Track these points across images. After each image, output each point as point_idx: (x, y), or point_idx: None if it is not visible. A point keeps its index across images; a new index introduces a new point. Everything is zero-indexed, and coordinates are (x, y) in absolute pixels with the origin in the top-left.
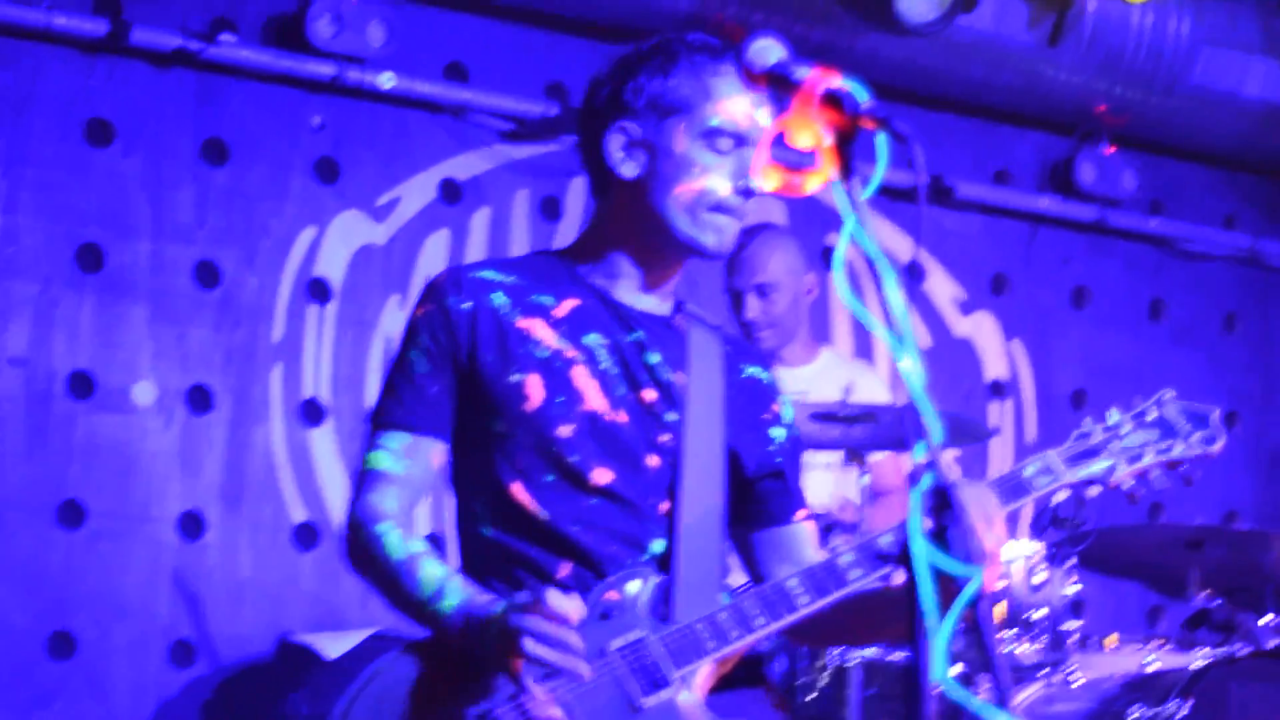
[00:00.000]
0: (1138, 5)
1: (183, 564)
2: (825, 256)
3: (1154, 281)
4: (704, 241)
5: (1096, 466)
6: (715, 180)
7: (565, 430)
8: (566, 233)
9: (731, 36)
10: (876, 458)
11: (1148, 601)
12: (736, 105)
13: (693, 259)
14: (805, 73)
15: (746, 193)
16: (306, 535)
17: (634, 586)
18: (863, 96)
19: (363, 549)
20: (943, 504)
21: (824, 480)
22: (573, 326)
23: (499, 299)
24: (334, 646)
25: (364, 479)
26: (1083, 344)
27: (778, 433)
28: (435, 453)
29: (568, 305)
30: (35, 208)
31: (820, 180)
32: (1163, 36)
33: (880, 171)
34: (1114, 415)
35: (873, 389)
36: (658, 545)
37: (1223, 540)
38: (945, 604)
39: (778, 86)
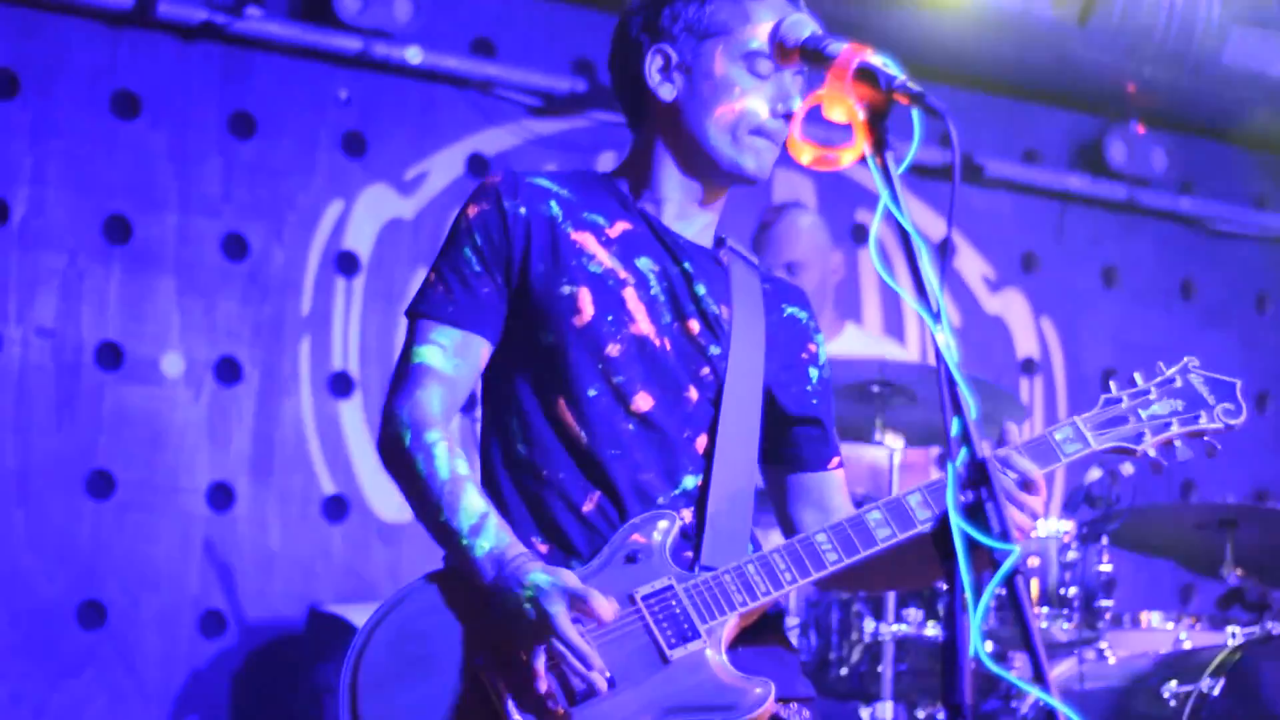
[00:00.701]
0: None
1: (212, 535)
2: (855, 233)
3: (1184, 261)
4: (744, 164)
5: (1124, 433)
6: (755, 102)
7: (614, 349)
8: None
9: None
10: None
11: (1180, 580)
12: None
13: (736, 185)
14: (839, 47)
15: (787, 116)
16: (336, 507)
17: (660, 529)
18: (896, 72)
19: (407, 456)
20: (979, 478)
21: (855, 453)
22: (624, 248)
23: (554, 208)
24: (363, 617)
25: (411, 373)
26: (1113, 323)
27: (814, 373)
28: (484, 353)
29: (620, 227)
30: (63, 180)
31: (854, 155)
32: (1193, 16)
33: (914, 147)
34: (1140, 381)
35: (901, 367)
36: (689, 480)
37: (1255, 519)
38: (979, 576)
39: (812, 61)
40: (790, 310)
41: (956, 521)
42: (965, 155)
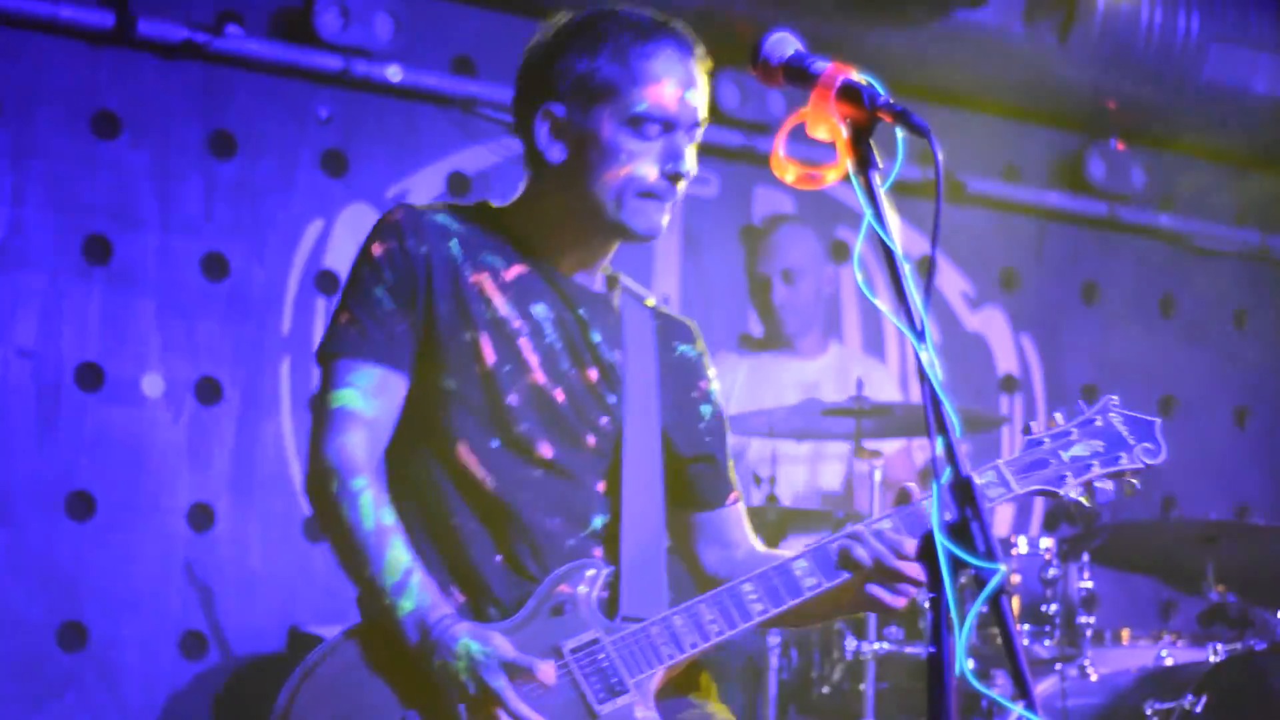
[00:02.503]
0: (1143, 1)
1: (193, 555)
2: (835, 251)
3: (1164, 277)
4: (632, 226)
5: (1046, 476)
6: (643, 166)
7: (514, 398)
8: None
9: (742, 31)
10: (889, 450)
11: (1162, 596)
12: (665, 89)
13: (626, 240)
14: (823, 66)
15: (675, 177)
16: (317, 527)
17: (586, 579)
18: (880, 90)
19: (332, 504)
20: (965, 497)
21: (836, 471)
22: (520, 294)
23: (454, 247)
24: None
25: (333, 417)
26: (1093, 339)
27: (706, 410)
28: (402, 390)
29: (515, 270)
30: (43, 200)
31: (838, 173)
32: (1172, 33)
33: (898, 165)
34: (1061, 422)
35: (883, 385)
36: (597, 521)
37: (1236, 535)
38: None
39: (795, 80)
40: (682, 348)
41: (941, 541)
42: (947, 172)
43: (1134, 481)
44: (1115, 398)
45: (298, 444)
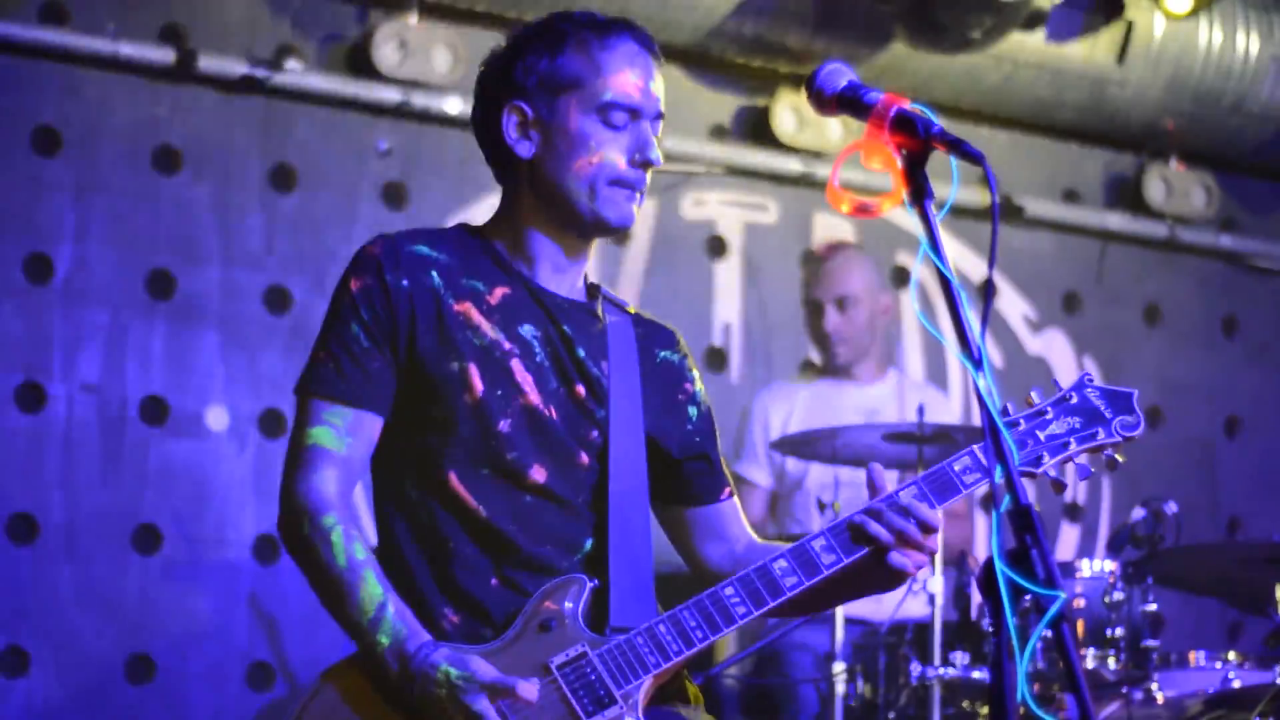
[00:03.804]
0: (1201, 21)
1: (259, 587)
2: (896, 276)
3: (1226, 298)
4: (605, 215)
5: (1023, 456)
6: (611, 154)
7: (505, 424)
8: (635, 254)
9: (797, 60)
10: None
11: (1228, 618)
12: (628, 79)
13: (602, 236)
14: (876, 96)
15: (644, 165)
16: (380, 557)
17: (571, 595)
18: (934, 119)
19: (305, 542)
20: (1024, 524)
21: None
22: (506, 316)
23: (435, 278)
24: None
25: (305, 455)
26: (1156, 361)
27: (693, 411)
28: (376, 429)
29: (499, 292)
30: (106, 236)
31: (893, 202)
32: (1231, 53)
33: (953, 193)
34: (1034, 402)
35: (945, 415)
36: (590, 544)
37: None
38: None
39: (849, 110)
40: (663, 354)
41: (1001, 568)
42: (1004, 196)
43: (1116, 457)
44: (1090, 374)
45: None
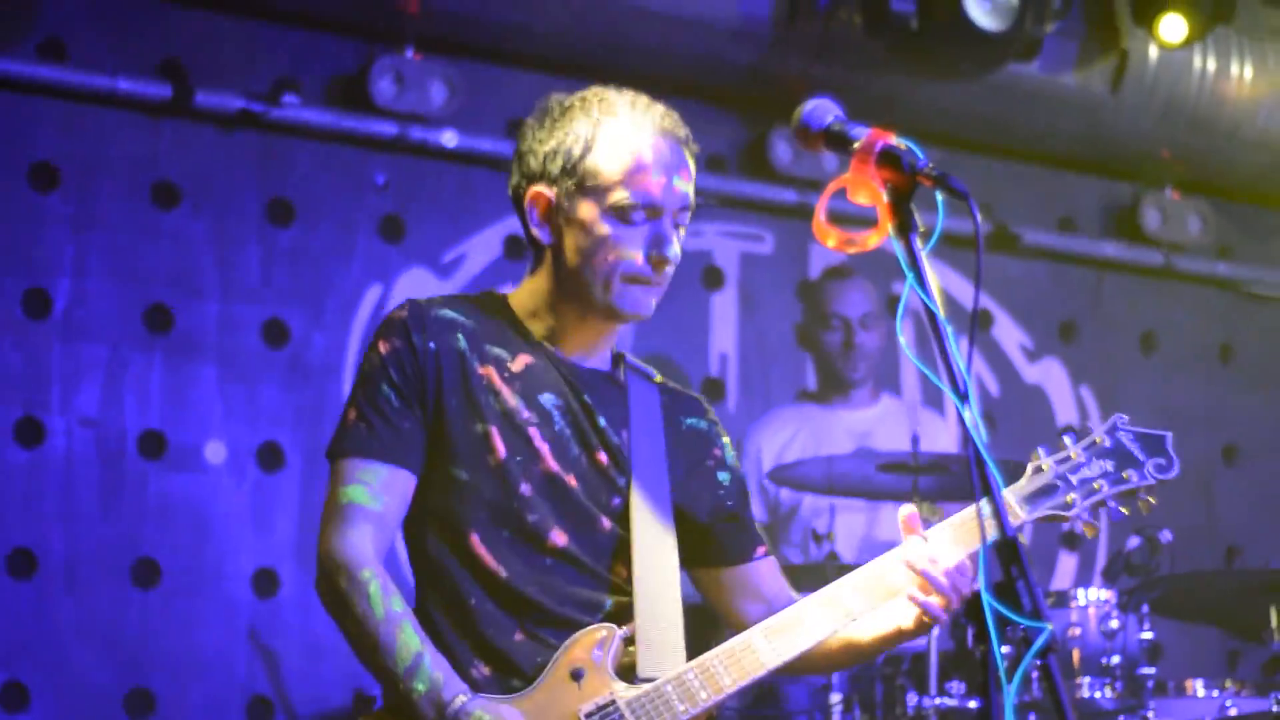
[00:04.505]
0: (1196, 50)
1: (258, 620)
2: (891, 305)
3: (1223, 325)
4: (621, 309)
5: (1054, 502)
6: (628, 251)
7: (526, 488)
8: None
9: (791, 88)
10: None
11: (1226, 646)
12: (650, 178)
13: (619, 323)
14: (861, 132)
15: (660, 262)
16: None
17: (600, 643)
18: (919, 154)
19: (342, 597)
20: (1010, 556)
21: (893, 525)
22: (527, 385)
23: (461, 341)
24: None
25: (341, 513)
26: (1153, 389)
27: (724, 476)
28: (410, 486)
29: (522, 361)
30: (104, 270)
31: (879, 237)
32: (1225, 81)
33: (939, 227)
34: (1067, 446)
35: (940, 439)
36: (611, 605)
37: None
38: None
39: (835, 146)
40: (690, 422)
41: (987, 600)
42: (1001, 225)
43: (1149, 499)
44: (1125, 416)
45: None
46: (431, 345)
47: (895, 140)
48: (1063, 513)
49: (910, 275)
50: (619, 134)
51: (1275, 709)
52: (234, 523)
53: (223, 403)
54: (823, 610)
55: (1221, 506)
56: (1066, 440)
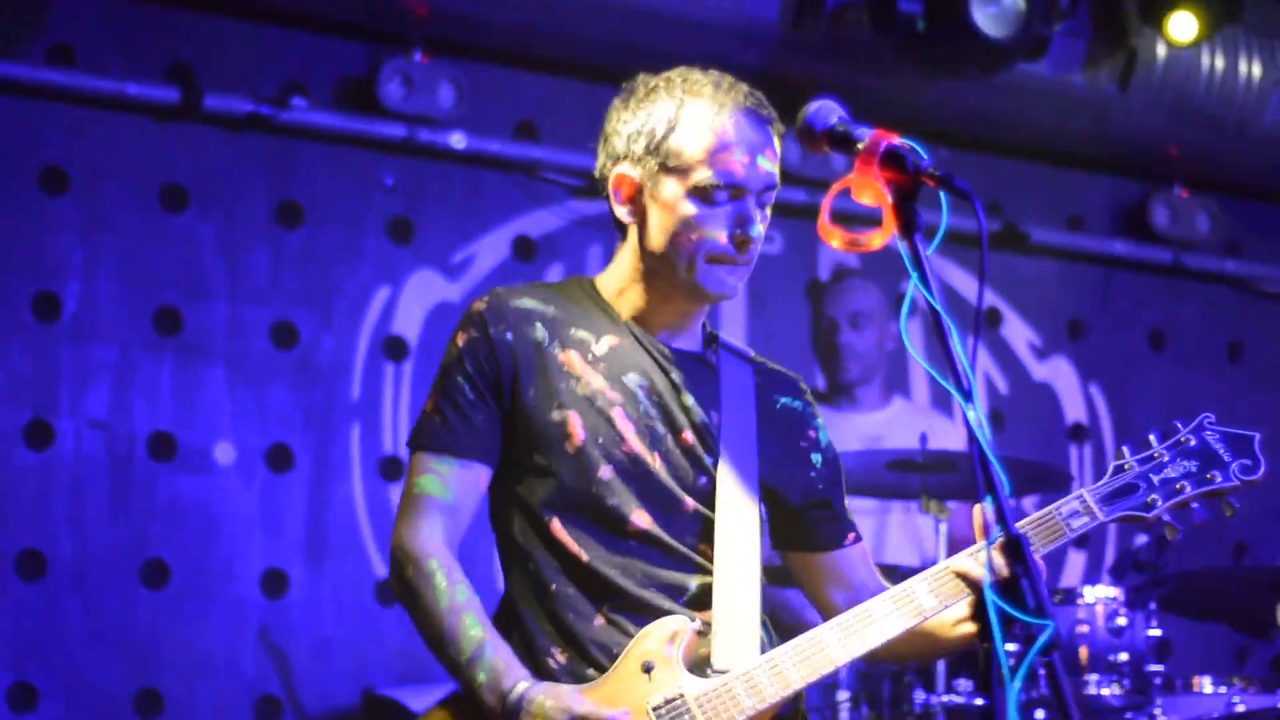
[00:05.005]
0: (1204, 48)
1: (267, 621)
2: (899, 304)
3: (1232, 323)
4: (705, 289)
5: (1134, 502)
6: (711, 231)
7: (606, 472)
8: None
9: (799, 90)
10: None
11: (1234, 643)
12: (733, 157)
13: (705, 303)
14: (865, 133)
15: (744, 241)
16: (389, 591)
17: (673, 637)
18: (923, 154)
19: (409, 585)
20: (1015, 555)
21: (901, 526)
22: (611, 366)
23: (539, 330)
24: (419, 700)
25: (413, 504)
26: (1161, 387)
27: (817, 458)
28: (483, 479)
29: (607, 342)
30: (113, 273)
31: (883, 238)
32: (1234, 79)
33: (942, 227)
34: (1151, 444)
35: (950, 440)
36: (695, 586)
37: None
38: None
39: (840, 147)
40: (784, 401)
41: (991, 597)
42: (1009, 223)
43: (1232, 502)
44: (1212, 415)
45: (369, 508)
46: (509, 336)
47: (899, 140)
48: (1143, 514)
49: (914, 275)
50: (702, 114)
51: None
52: (243, 524)
53: (231, 404)
54: (895, 608)
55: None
56: (1151, 439)
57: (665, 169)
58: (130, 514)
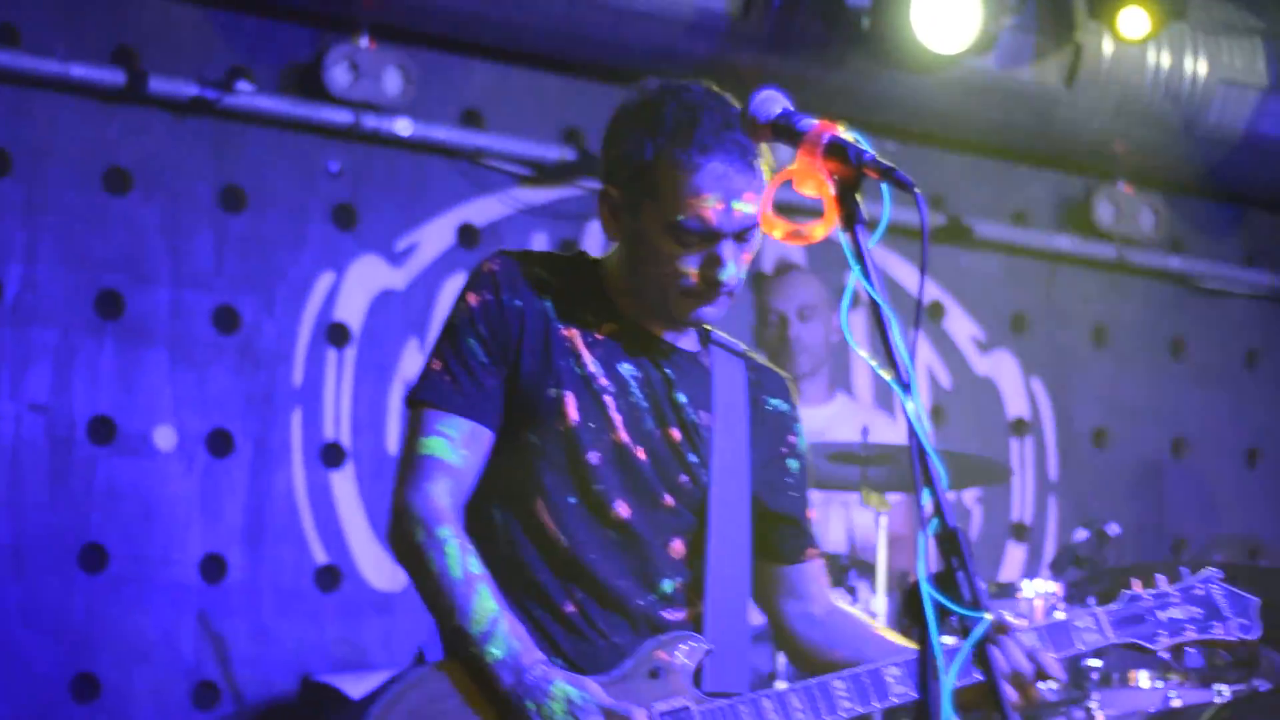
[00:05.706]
0: (1150, 45)
1: (205, 606)
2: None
3: (1174, 320)
4: (678, 316)
5: (1141, 632)
6: (684, 266)
7: (594, 456)
8: None
9: (747, 81)
10: (893, 500)
11: None
12: (706, 202)
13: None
14: (809, 123)
15: (714, 283)
16: (328, 577)
17: (684, 651)
18: (866, 146)
19: (419, 551)
20: (951, 547)
21: (841, 519)
22: (609, 352)
23: (548, 302)
24: (357, 687)
25: (420, 464)
26: (1103, 382)
27: (794, 465)
28: (488, 444)
29: (607, 329)
30: (55, 256)
31: (825, 229)
32: (1179, 77)
33: (884, 220)
34: (1163, 585)
35: (889, 435)
36: (667, 585)
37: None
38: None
39: (783, 137)
40: (773, 402)
41: (926, 590)
42: (954, 217)
43: (1223, 653)
44: (1220, 571)
45: (310, 494)
46: (518, 303)
47: (842, 132)
48: (1147, 644)
49: (855, 267)
50: (681, 157)
51: (1218, 700)
52: (182, 508)
53: (173, 389)
54: (907, 675)
55: (1169, 500)
56: (1163, 580)
57: (644, 198)
58: (69, 498)
